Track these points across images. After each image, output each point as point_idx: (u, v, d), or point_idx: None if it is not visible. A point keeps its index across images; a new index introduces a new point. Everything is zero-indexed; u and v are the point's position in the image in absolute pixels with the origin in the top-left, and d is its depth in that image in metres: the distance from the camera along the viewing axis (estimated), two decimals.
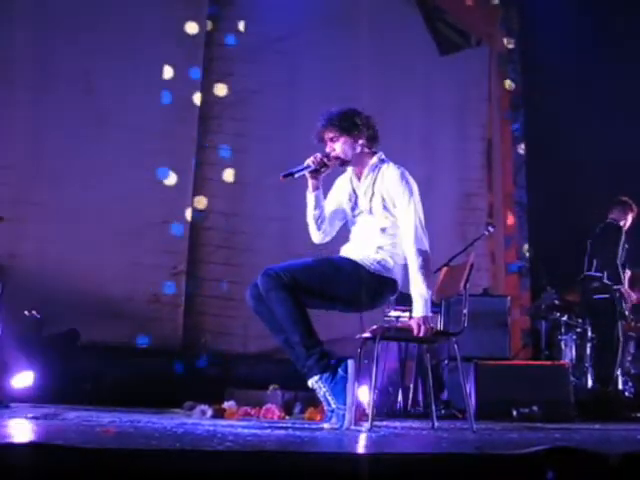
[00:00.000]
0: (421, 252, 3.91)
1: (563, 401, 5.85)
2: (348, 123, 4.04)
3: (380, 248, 3.99)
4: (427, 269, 3.92)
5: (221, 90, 7.96)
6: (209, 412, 4.94)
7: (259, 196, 7.71)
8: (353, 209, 4.15)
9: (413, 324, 3.89)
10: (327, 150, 4.07)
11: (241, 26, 8.10)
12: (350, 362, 3.81)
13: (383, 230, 4.02)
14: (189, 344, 7.38)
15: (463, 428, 4.30)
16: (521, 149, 8.79)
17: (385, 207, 4.01)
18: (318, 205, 4.13)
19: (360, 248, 4.04)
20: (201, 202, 7.71)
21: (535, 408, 5.63)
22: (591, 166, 7.90)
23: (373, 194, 4.04)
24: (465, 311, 4.08)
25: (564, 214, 7.88)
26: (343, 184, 4.23)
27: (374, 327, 3.86)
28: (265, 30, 8.05)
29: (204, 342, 7.40)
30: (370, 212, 4.06)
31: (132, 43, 7.49)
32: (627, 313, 6.80)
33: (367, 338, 4.01)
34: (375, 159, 4.11)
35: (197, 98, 7.79)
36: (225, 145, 7.90)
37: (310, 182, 4.08)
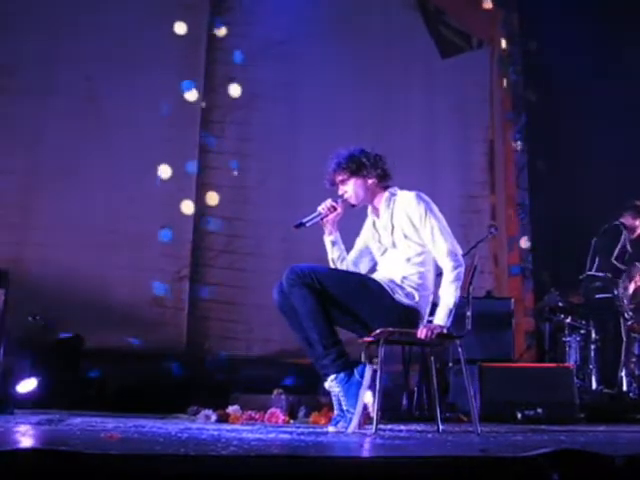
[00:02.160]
0: (457, 262, 3.95)
1: (568, 403, 5.84)
2: (356, 165, 4.10)
3: (405, 278, 4.02)
4: (460, 280, 3.96)
5: (224, 94, 7.96)
6: (213, 417, 4.94)
7: (262, 200, 7.71)
8: (379, 249, 4.20)
9: (425, 329, 3.89)
10: (339, 192, 4.15)
11: (243, 30, 8.10)
12: (368, 367, 3.86)
13: (408, 260, 4.04)
14: (193, 348, 7.38)
15: (468, 431, 4.29)
16: (523, 150, 8.77)
17: (406, 236, 4.04)
18: (336, 247, 4.21)
19: (385, 277, 4.06)
20: (205, 206, 7.72)
21: (540, 410, 5.62)
22: (594, 167, 7.88)
23: (393, 227, 4.09)
24: (469, 313, 4.08)
25: (567, 215, 7.87)
26: (367, 225, 4.30)
27: (378, 331, 3.85)
28: (267, 34, 8.04)
29: (207, 347, 7.40)
30: (394, 246, 4.10)
31: (133, 47, 7.48)
32: (628, 314, 6.74)
33: (371, 342, 4.01)
34: (387, 194, 4.15)
35: (200, 102, 7.79)
36: (228, 149, 7.89)
37: (325, 228, 4.17)
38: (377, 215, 4.19)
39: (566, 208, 7.91)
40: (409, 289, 4.00)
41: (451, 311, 3.92)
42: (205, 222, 7.69)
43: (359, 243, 4.31)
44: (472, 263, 4.17)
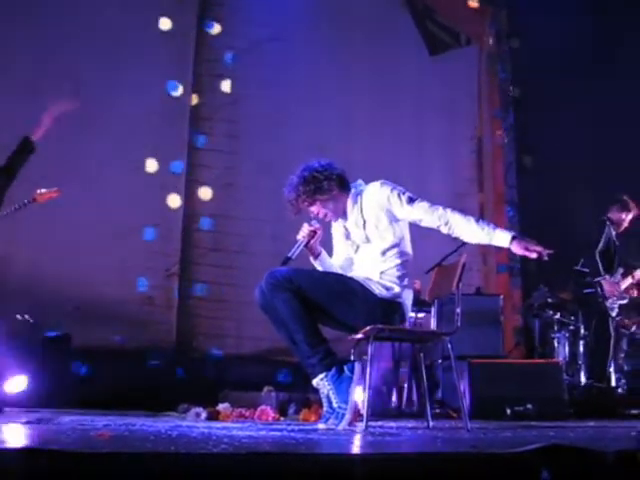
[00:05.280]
0: (444, 206, 3.93)
1: (557, 399, 5.86)
2: (313, 186, 4.05)
3: (383, 273, 4.00)
4: (465, 214, 3.93)
5: (213, 91, 7.94)
6: (203, 414, 4.93)
7: (251, 198, 7.71)
8: (352, 246, 4.18)
9: (520, 251, 3.79)
10: (312, 215, 4.12)
11: (233, 27, 8.08)
12: (357, 364, 3.85)
13: (383, 254, 4.02)
14: (183, 346, 7.37)
15: (458, 427, 4.29)
16: (511, 147, 8.79)
17: (378, 228, 4.02)
18: (326, 267, 4.21)
19: (362, 276, 4.05)
20: (194, 203, 7.71)
21: (529, 406, 5.64)
22: (582, 163, 7.91)
23: (365, 222, 4.06)
24: (458, 310, 4.07)
25: (555, 212, 7.89)
26: (336, 226, 4.28)
27: (367, 328, 3.85)
28: (257, 31, 8.03)
29: (197, 344, 7.39)
30: (367, 240, 4.07)
31: (120, 41, 7.43)
32: (614, 310, 6.76)
33: (360, 338, 4.01)
34: (352, 191, 4.14)
35: (188, 99, 7.77)
36: (217, 146, 7.88)
37: (309, 253, 4.17)
38: (345, 216, 4.16)
39: (554, 204, 7.94)
40: (389, 283, 3.98)
41: (498, 230, 3.84)
42: (194, 220, 7.68)
43: (337, 246, 4.30)
44: (460, 261, 4.17)
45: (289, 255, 4.02)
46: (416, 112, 8.52)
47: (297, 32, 8.11)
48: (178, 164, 7.63)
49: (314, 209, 4.12)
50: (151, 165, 7.52)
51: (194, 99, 7.82)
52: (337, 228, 4.28)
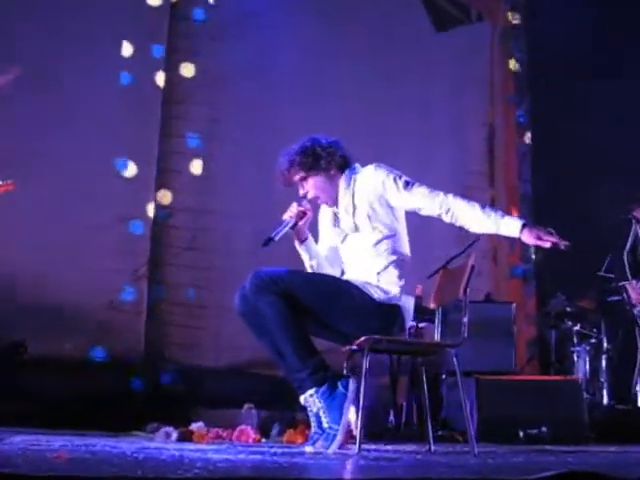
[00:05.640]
0: (445, 191, 3.94)
1: (575, 420, 5.88)
2: (312, 159, 4.09)
3: (379, 274, 4.00)
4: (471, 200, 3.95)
5: (188, 70, 7.90)
6: (174, 435, 4.93)
7: (232, 190, 7.69)
8: (339, 235, 4.18)
9: (532, 240, 3.80)
10: (301, 193, 4.13)
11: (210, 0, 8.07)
12: (351, 380, 3.84)
13: (375, 245, 4.02)
14: (152, 357, 7.34)
15: (463, 451, 4.31)
16: (527, 137, 8.80)
17: (370, 218, 4.02)
18: (312, 255, 4.21)
19: (357, 277, 4.04)
20: (165, 197, 7.65)
21: (544, 429, 5.66)
22: (607, 157, 7.91)
23: (355, 208, 4.07)
24: (465, 319, 4.08)
25: (575, 210, 7.89)
26: (324, 212, 4.29)
27: (362, 338, 3.84)
28: (238, 4, 8.01)
29: (169, 355, 7.37)
30: (356, 229, 4.08)
31: (86, 17, 7.39)
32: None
33: (354, 350, 4.00)
34: (345, 174, 4.15)
35: (160, 79, 7.72)
36: (193, 133, 7.85)
37: (295, 237, 4.17)
38: (336, 202, 4.17)
39: (575, 201, 7.93)
40: (387, 286, 3.98)
41: (507, 217, 3.85)
42: (167, 214, 7.64)
43: (323, 236, 4.31)
44: (469, 263, 4.17)
45: (272, 235, 4.01)
46: (421, 95, 8.51)
47: (285, 5, 8.07)
48: (150, 151, 7.59)
49: (306, 185, 4.12)
50: (120, 153, 7.46)
51: (167, 79, 7.76)
52: (325, 213, 4.30)
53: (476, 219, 3.90)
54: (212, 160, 7.84)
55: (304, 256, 4.23)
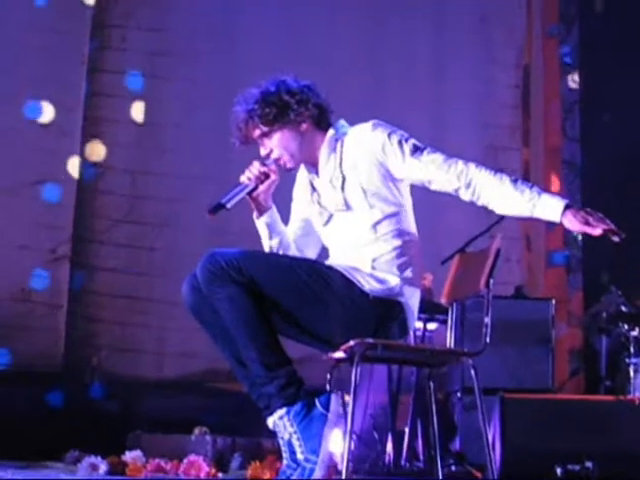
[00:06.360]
0: (466, 161, 3.89)
1: (631, 454, 5.86)
2: (277, 107, 4.02)
3: (375, 260, 3.96)
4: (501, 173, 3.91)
5: None
6: (103, 467, 4.94)
7: (183, 144, 7.69)
8: (321, 215, 4.14)
9: (577, 226, 3.75)
10: (263, 153, 4.08)
11: None
12: (334, 397, 3.80)
13: (374, 227, 3.99)
14: (74, 364, 7.36)
15: None
16: (574, 82, 8.78)
17: (365, 191, 3.99)
18: (274, 231, 4.16)
19: (347, 264, 4.00)
20: (95, 151, 7.66)
21: (589, 464, 5.65)
22: None
23: (344, 179, 4.02)
24: (487, 320, 4.07)
25: (635, 178, 7.90)
26: (300, 186, 4.27)
27: (352, 342, 3.81)
28: None
29: (97, 362, 7.35)
30: (346, 207, 4.03)
31: None
32: None
33: (341, 359, 3.98)
34: (329, 134, 4.11)
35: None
36: (132, 69, 7.84)
37: (253, 206, 4.10)
38: (316, 170, 4.15)
39: (636, 168, 7.94)
40: (384, 274, 3.95)
41: (546, 193, 3.81)
42: (96, 176, 7.65)
43: (297, 214, 4.29)
44: (493, 247, 4.14)
45: (222, 201, 3.94)
46: (437, 28, 8.56)
47: None
48: (74, 93, 7.58)
49: (270, 144, 4.07)
50: (35, 95, 7.47)
51: None
52: (302, 186, 4.26)
53: (505, 197, 3.85)
54: (157, 103, 7.84)
55: (263, 232, 4.17)
